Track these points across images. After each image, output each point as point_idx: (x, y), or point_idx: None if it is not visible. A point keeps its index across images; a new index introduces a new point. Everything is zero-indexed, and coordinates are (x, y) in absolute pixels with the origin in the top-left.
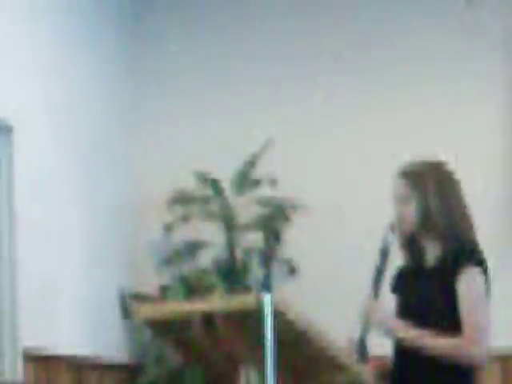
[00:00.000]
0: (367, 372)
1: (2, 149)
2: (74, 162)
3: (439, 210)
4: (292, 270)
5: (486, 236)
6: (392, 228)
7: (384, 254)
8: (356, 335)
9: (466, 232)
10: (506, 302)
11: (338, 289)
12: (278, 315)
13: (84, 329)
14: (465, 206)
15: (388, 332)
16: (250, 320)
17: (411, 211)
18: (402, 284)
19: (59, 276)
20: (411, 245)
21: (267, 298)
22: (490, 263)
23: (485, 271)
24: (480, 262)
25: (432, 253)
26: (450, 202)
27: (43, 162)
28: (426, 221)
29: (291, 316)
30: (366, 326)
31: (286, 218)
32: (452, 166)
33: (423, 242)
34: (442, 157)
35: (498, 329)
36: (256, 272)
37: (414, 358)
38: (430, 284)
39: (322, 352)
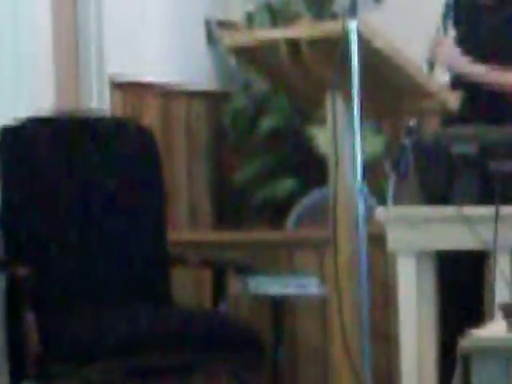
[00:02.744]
0: (454, 99)
1: None
2: None
3: None
4: None
5: None
6: None
7: None
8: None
9: None
10: None
11: (425, 17)
12: (365, 42)
13: (171, 56)
14: None
15: (454, 69)
16: (336, 47)
17: None
18: (462, 18)
19: (146, 3)
20: None
21: (353, 25)
22: None
23: None
24: None
25: None
26: None
27: None
28: None
29: (378, 43)
30: (432, 63)
31: None
32: None
33: None
34: None
35: None
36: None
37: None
38: (497, 18)
39: (409, 79)
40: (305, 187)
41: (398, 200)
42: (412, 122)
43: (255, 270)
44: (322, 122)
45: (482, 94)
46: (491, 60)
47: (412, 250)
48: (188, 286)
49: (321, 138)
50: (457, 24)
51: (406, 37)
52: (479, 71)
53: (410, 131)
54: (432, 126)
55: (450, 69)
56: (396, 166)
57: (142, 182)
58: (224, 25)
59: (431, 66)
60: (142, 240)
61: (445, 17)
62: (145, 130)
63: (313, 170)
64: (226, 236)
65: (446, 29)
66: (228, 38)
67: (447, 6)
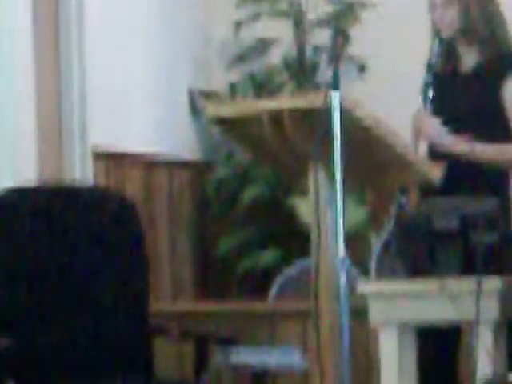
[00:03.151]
0: (436, 171)
1: None
2: None
3: (480, 15)
4: (361, 68)
5: None
6: (437, 35)
7: (431, 66)
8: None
9: (504, 40)
10: None
11: (407, 88)
12: (347, 113)
13: (154, 126)
14: (502, 15)
15: (440, 147)
16: (318, 119)
17: (452, 15)
18: (440, 91)
19: (129, 74)
20: (448, 51)
21: (335, 95)
22: None
23: None
24: None
25: (470, 59)
26: (490, 9)
27: None
28: (466, 25)
29: (360, 114)
30: (417, 141)
31: (355, 17)
32: None
33: (461, 48)
34: None
35: None
36: (325, 70)
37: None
38: (472, 90)
39: (391, 150)
40: (288, 258)
41: (381, 272)
42: (403, 200)
43: (237, 341)
44: (305, 192)
45: (460, 166)
46: (469, 131)
47: (394, 324)
48: (170, 357)
49: (303, 208)
50: (435, 98)
51: (390, 106)
52: (465, 150)
53: (400, 207)
54: (412, 198)
55: (433, 145)
56: (387, 245)
57: (124, 253)
58: (207, 95)
59: (416, 145)
60: (124, 311)
61: (424, 94)
62: (127, 201)
63: (296, 240)
64: (209, 307)
65: (426, 105)
66: (211, 109)
67: (426, 84)
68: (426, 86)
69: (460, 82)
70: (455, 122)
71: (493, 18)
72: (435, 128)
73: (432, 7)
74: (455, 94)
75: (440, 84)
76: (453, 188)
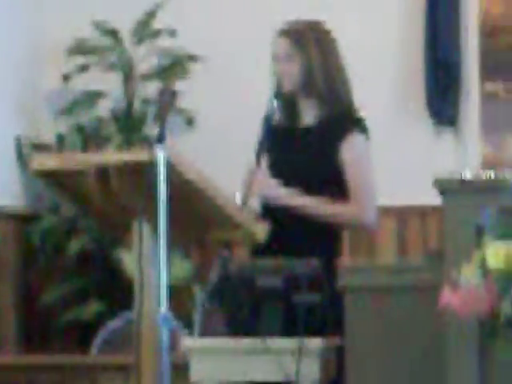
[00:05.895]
0: (261, 231)
1: None
2: None
3: (321, 69)
4: (189, 122)
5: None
6: (275, 93)
7: (268, 121)
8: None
9: (345, 95)
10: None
11: (236, 142)
12: (173, 170)
13: None
14: (344, 68)
15: (273, 201)
16: (143, 174)
17: (294, 69)
18: (277, 144)
19: None
20: (288, 106)
21: (161, 152)
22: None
23: (367, 138)
24: (364, 129)
25: (309, 114)
26: (331, 63)
27: None
28: (308, 79)
29: (186, 171)
30: (247, 194)
31: (185, 70)
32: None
33: (302, 103)
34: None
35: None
36: (153, 123)
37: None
38: (309, 146)
39: (217, 209)
40: (112, 310)
41: (206, 330)
42: (225, 253)
43: None
44: (130, 245)
45: (290, 226)
46: (304, 186)
47: (215, 382)
48: None
49: (128, 261)
50: (272, 151)
51: (218, 160)
52: (298, 203)
53: (224, 262)
54: (240, 257)
55: (263, 199)
56: (211, 298)
57: None
58: (35, 146)
59: (245, 198)
60: None
61: (260, 147)
62: None
63: (121, 293)
64: (31, 359)
65: (259, 163)
66: (36, 162)
67: (261, 143)
68: (261, 145)
69: (297, 137)
70: (291, 176)
71: (334, 74)
72: (268, 182)
73: (275, 60)
74: (292, 147)
75: (278, 137)
76: (281, 248)
